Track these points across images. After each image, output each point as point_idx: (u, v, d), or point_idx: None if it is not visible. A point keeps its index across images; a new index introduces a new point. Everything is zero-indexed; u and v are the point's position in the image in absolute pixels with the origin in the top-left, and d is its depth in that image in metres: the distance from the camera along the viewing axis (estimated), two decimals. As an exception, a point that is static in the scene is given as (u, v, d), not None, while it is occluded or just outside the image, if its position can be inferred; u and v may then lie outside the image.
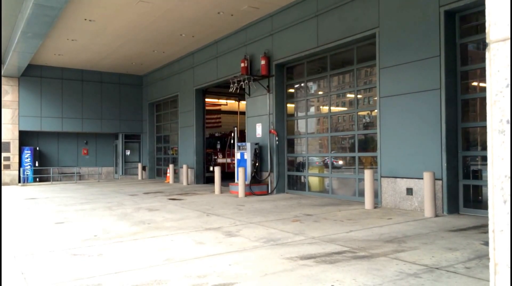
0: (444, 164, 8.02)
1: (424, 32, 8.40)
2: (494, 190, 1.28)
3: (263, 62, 12.60)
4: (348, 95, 11.20)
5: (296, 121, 12.88)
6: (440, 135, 8.10)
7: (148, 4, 11.76)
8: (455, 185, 8.15)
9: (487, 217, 1.31)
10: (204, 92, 17.54)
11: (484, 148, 8.00)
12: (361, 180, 9.90)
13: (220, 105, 22.68)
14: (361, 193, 9.78)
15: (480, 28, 8.10)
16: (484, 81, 8.19)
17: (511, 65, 1.24)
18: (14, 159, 18.88)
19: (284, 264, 4.54)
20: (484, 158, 8.09)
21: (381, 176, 9.29)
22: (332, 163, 11.46)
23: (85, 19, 13.03)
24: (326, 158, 11.75)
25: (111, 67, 20.11)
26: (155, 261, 4.75)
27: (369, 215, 8.06)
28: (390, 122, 9.11)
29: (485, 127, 7.93)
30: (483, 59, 8.14)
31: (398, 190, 8.88)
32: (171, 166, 18.48)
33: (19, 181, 18.81)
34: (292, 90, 12.98)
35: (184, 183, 16.90)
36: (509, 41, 1.25)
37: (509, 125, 1.25)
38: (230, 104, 23.00)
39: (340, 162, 11.53)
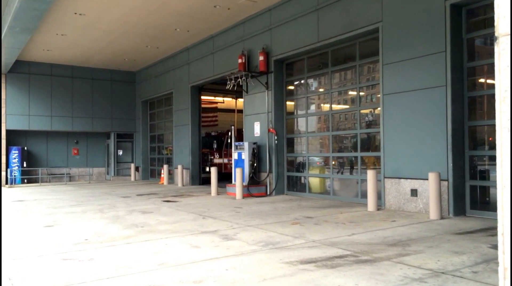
0: (450, 164, 8.03)
1: (429, 26, 8.41)
2: (504, 191, 1.27)
3: (261, 58, 12.59)
4: (350, 93, 11.20)
5: (296, 119, 12.88)
6: (445, 134, 8.10)
7: (141, -3, 11.74)
8: (461, 186, 8.16)
9: (495, 219, 1.31)
10: (200, 89, 17.52)
11: (492, 147, 8.02)
12: (364, 181, 9.91)
13: (216, 102, 22.65)
14: (364, 195, 9.78)
15: (488, 22, 8.11)
16: (492, 77, 8.20)
17: (521, 60, 1.23)
18: (1, 159, 18.82)
19: (283, 268, 4.54)
20: (492, 158, 8.10)
21: (384, 177, 9.30)
22: (334, 163, 11.46)
23: (76, 13, 12.99)
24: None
25: (103, 63, 20.06)
26: (148, 265, 4.74)
27: (372, 217, 8.07)
28: (393, 120, 9.12)
29: (492, 126, 7.95)
30: (490, 55, 8.15)
31: (402, 191, 8.89)
32: (165, 166, 18.45)
33: (6, 182, 18.76)
34: (291, 87, 12.98)
35: (179, 184, 16.88)
36: (519, 34, 1.25)
37: (519, 123, 1.24)
38: (227, 101, 22.98)
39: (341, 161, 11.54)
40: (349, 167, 11.20)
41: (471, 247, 5.43)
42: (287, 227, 7.07)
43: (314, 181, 12.12)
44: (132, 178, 21.35)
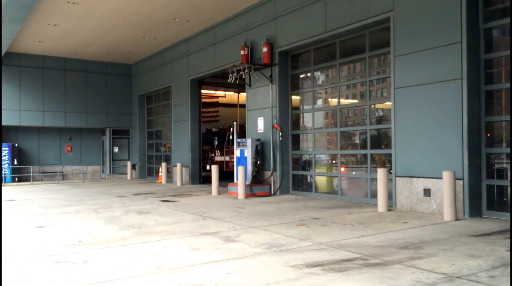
0: (466, 162, 8.00)
1: (444, 16, 8.36)
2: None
3: (265, 49, 12.56)
4: (359, 86, 11.17)
5: (301, 114, 12.86)
6: (461, 130, 8.07)
7: (137, -15, 11.74)
8: (477, 185, 8.13)
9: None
10: (200, 82, 17.51)
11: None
12: (374, 180, 9.89)
13: (217, 97, 22.66)
14: (374, 195, 9.77)
15: (507, 11, 8.05)
16: (510, 70, 8.13)
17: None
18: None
19: (288, 272, 4.54)
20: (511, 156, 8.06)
21: (395, 176, 9.28)
22: (341, 162, 11.45)
23: (69, 2, 12.99)
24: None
25: (97, 55, 20.09)
26: (146, 268, 4.76)
27: (383, 218, 8.06)
28: (405, 116, 9.09)
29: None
30: (509, 46, 8.10)
31: (415, 191, 8.87)
32: (163, 164, 18.48)
33: (-4, 181, 18.86)
34: (297, 81, 12.95)
35: (178, 183, 16.91)
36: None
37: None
38: (229, 96, 22.98)
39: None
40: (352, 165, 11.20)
41: (487, 250, 5.42)
42: (292, 229, 7.07)
43: (321, 180, 12.11)
44: (129, 176, 21.40)
